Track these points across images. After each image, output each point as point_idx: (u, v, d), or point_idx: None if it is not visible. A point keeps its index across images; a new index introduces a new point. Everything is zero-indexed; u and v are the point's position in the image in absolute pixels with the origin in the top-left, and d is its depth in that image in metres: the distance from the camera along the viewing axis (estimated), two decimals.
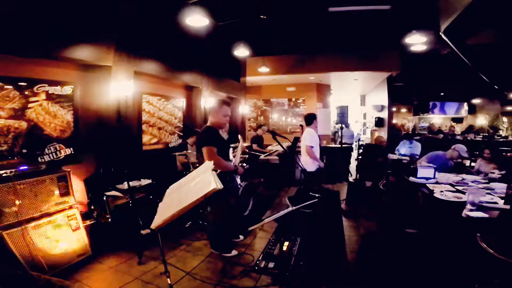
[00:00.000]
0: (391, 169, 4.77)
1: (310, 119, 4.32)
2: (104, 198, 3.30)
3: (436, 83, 10.57)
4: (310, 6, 4.79)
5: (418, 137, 8.06)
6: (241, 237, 3.46)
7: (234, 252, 3.09)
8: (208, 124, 3.03)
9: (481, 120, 13.28)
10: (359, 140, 7.32)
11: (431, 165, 3.56)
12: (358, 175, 5.88)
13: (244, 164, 3.25)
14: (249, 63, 8.17)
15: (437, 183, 3.26)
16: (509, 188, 2.41)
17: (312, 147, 4.12)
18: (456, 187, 3.07)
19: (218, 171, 2.85)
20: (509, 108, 12.53)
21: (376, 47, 6.92)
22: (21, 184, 2.42)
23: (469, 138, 8.96)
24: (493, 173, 3.56)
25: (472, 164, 5.85)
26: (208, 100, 6.41)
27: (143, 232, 3.12)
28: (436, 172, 3.40)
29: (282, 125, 9.94)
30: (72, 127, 3.72)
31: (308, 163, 4.14)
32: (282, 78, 8.80)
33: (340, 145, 7.11)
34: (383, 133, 9.01)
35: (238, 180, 3.08)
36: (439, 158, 4.13)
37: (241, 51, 5.92)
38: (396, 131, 8.84)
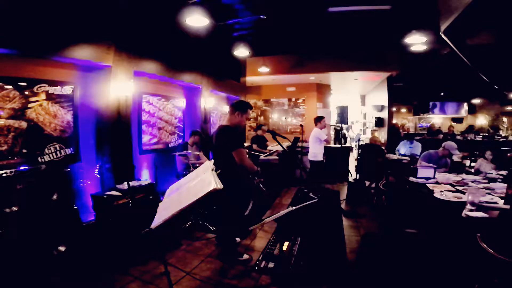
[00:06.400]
0: (391, 169, 4.78)
1: (315, 120, 5.38)
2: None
3: (436, 83, 10.54)
4: (310, 6, 4.78)
5: (418, 137, 8.05)
6: (237, 239, 3.39)
7: (245, 256, 3.01)
8: (227, 123, 2.88)
9: (481, 120, 13.25)
10: (359, 140, 7.31)
11: (431, 165, 3.57)
12: (358, 175, 5.88)
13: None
14: (249, 63, 8.16)
15: (437, 183, 3.27)
16: (509, 188, 2.41)
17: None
18: (456, 187, 3.07)
19: (219, 171, 2.85)
20: (509, 108, 12.50)
21: (376, 47, 6.92)
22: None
23: (469, 138, 8.95)
24: (491, 173, 3.57)
25: (472, 164, 5.84)
26: (208, 100, 6.41)
27: (143, 232, 3.11)
28: (436, 172, 3.40)
29: (282, 125, 9.94)
30: (72, 127, 3.72)
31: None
32: (282, 78, 8.79)
33: (340, 145, 7.12)
34: (383, 133, 9.01)
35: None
36: (431, 156, 4.31)
37: (241, 51, 5.91)
38: (396, 131, 8.84)
